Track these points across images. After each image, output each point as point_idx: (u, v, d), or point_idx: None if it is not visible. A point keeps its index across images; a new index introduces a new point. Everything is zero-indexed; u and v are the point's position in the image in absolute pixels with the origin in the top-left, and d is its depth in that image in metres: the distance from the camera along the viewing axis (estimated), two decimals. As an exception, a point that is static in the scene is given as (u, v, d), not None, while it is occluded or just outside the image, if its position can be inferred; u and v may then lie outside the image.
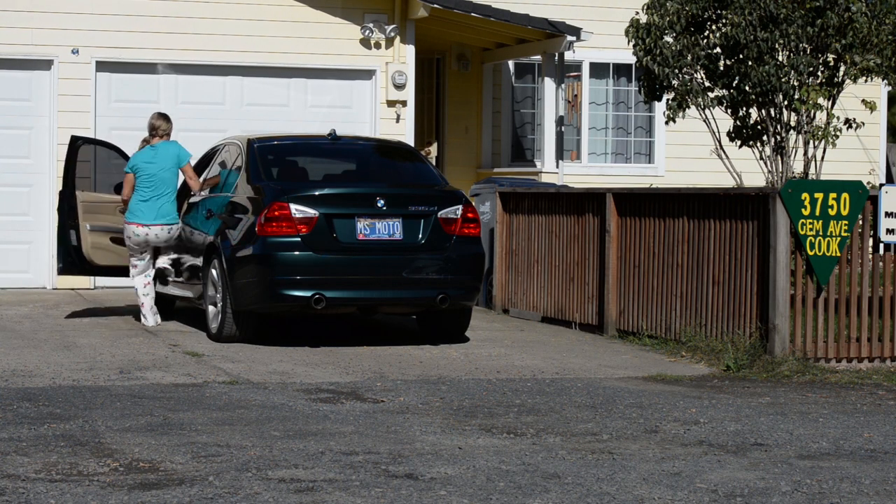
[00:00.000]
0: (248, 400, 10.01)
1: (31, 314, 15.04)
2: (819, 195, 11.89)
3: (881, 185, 13.28)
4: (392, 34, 18.57)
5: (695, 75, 15.73)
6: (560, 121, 19.38)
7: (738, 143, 15.97)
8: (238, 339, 12.97)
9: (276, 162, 13.59)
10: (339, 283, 12.68)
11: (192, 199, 14.42)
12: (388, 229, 12.87)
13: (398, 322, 15.14)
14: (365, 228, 12.80)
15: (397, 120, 18.60)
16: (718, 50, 15.48)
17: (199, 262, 13.63)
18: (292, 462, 7.89)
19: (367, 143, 14.94)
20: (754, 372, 11.69)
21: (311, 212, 12.64)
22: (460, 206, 13.13)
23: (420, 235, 12.95)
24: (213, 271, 13.20)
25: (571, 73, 20.65)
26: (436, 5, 18.06)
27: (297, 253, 12.58)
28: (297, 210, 12.61)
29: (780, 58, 15.26)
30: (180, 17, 18.10)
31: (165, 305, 15.38)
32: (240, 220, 12.99)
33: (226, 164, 14.09)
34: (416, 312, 13.70)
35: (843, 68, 15.38)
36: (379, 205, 12.83)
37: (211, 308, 13.27)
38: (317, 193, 12.83)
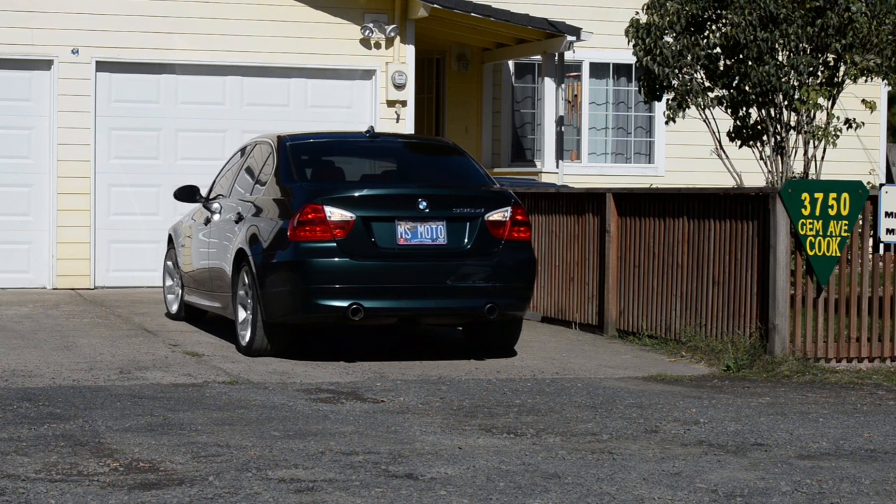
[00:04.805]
0: (248, 400, 10.01)
1: (31, 314, 15.04)
2: (819, 195, 11.89)
3: (881, 185, 13.28)
4: (392, 34, 18.57)
5: (695, 75, 15.73)
6: (560, 121, 19.38)
7: (738, 143, 15.97)
8: (270, 352, 12.12)
9: (310, 161, 12.70)
10: (378, 292, 11.77)
11: (219, 202, 13.59)
12: (431, 233, 11.97)
13: (442, 332, 14.30)
14: (406, 232, 11.90)
15: (397, 120, 18.60)
16: (718, 50, 15.48)
17: (228, 268, 12.75)
18: (292, 462, 7.90)
19: (407, 140, 14.20)
20: (754, 372, 11.69)
21: (348, 215, 11.74)
22: (509, 208, 12.18)
23: (466, 240, 12.02)
24: (244, 279, 12.32)
25: (571, 73, 20.65)
26: (436, 5, 18.06)
27: (332, 259, 11.68)
28: (332, 213, 11.72)
29: (780, 58, 15.27)
30: (180, 17, 18.10)
31: (194, 314, 14.68)
32: (270, 224, 12.07)
33: (255, 164, 13.18)
34: (462, 323, 12.85)
35: (843, 68, 15.39)
36: (421, 207, 11.90)
37: (241, 318, 12.39)
38: (353, 195, 11.90)
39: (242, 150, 13.89)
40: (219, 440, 8.47)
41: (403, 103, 18.70)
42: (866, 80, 15.81)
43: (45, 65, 17.76)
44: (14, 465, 7.68)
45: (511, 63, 20.96)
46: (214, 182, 14.25)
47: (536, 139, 20.77)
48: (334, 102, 18.68)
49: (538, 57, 19.81)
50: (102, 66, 17.92)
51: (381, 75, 18.65)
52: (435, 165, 13.25)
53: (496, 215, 12.11)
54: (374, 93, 18.70)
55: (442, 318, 12.35)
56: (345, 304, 11.65)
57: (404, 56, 18.69)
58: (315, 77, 18.62)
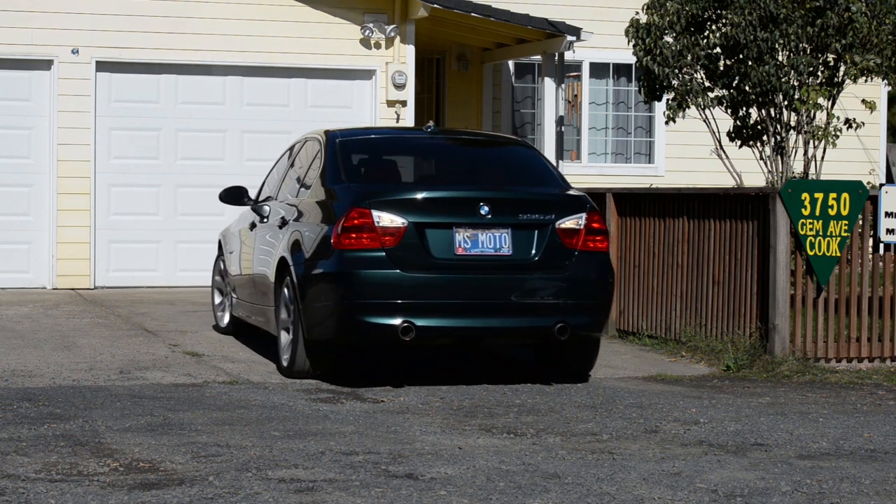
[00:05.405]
0: (248, 400, 10.01)
1: (31, 314, 15.04)
2: (819, 195, 11.90)
3: (881, 185, 13.29)
4: (392, 34, 18.57)
5: (695, 75, 15.73)
6: (560, 121, 19.38)
7: (738, 143, 15.96)
8: (311, 375, 10.96)
9: (360, 160, 11.52)
10: (433, 309, 10.50)
11: (268, 205, 12.46)
12: (494, 242, 10.67)
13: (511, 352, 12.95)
14: (465, 241, 10.63)
15: (397, 120, 18.60)
16: (718, 50, 15.48)
17: (270, 279, 11.64)
18: (292, 462, 7.90)
19: (471, 137, 12.98)
20: (754, 372, 11.69)
21: (399, 220, 10.47)
22: (584, 215, 10.87)
23: (533, 250, 10.72)
24: (286, 292, 11.14)
25: (571, 73, 20.65)
26: (436, 5, 18.06)
27: (380, 271, 10.42)
28: (380, 218, 10.44)
29: (780, 58, 15.27)
30: (180, 17, 18.10)
31: (243, 328, 13.54)
32: (314, 230, 10.85)
33: (302, 163, 12.10)
34: (528, 345, 11.79)
35: (843, 68, 15.38)
36: (482, 212, 10.63)
37: (283, 336, 11.21)
38: (405, 198, 10.62)
39: (291, 148, 12.85)
40: (219, 440, 8.47)
41: (403, 103, 18.70)
42: (866, 80, 15.80)
43: (45, 65, 17.76)
44: (14, 465, 7.68)
45: (511, 63, 20.96)
46: (264, 183, 13.26)
47: (536, 139, 20.76)
48: (334, 102, 18.68)
49: (538, 57, 19.80)
50: (102, 66, 17.92)
51: (381, 75, 18.65)
52: (500, 165, 11.89)
53: (569, 222, 10.84)
54: (374, 93, 18.70)
55: (506, 338, 11.18)
56: (394, 322, 10.39)
57: (404, 56, 18.69)
58: (315, 77, 18.62)
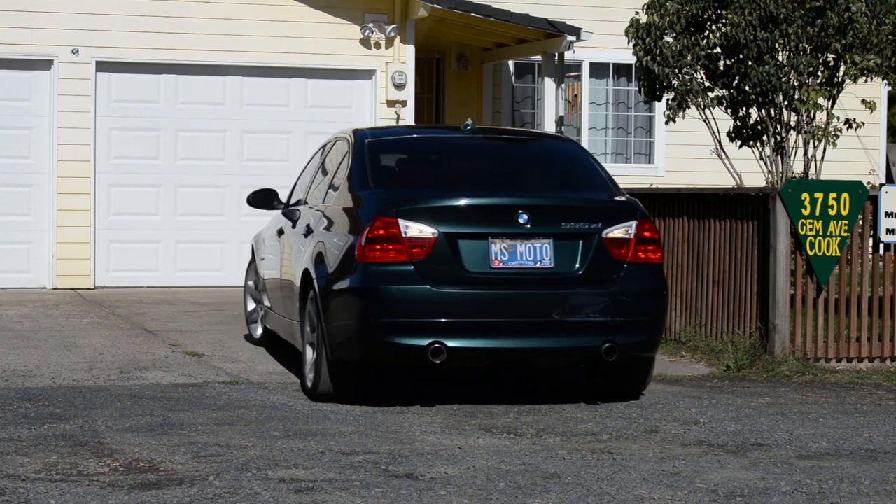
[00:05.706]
0: (248, 400, 10.01)
1: (31, 314, 15.03)
2: (819, 195, 11.90)
3: (881, 185, 13.29)
4: (392, 34, 18.57)
5: (695, 75, 15.72)
6: (560, 121, 19.37)
7: (738, 143, 15.96)
8: (334, 397, 9.99)
9: (390, 162, 10.66)
10: (466, 329, 9.62)
11: (299, 209, 11.67)
12: (534, 254, 9.78)
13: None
14: (502, 253, 9.73)
15: (397, 120, 18.60)
16: (718, 50, 15.47)
17: (295, 292, 10.87)
18: (292, 462, 7.90)
19: (513, 136, 11.85)
20: (754, 372, 11.70)
21: (428, 230, 9.61)
22: (634, 223, 9.95)
23: (577, 263, 9.83)
24: (310, 307, 10.30)
25: (571, 73, 20.65)
26: (436, 5, 18.06)
27: (407, 286, 9.56)
28: (408, 227, 9.60)
29: (780, 58, 15.26)
30: (180, 17, 18.10)
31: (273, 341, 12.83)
32: (339, 239, 10.02)
33: (331, 165, 11.25)
34: (573, 365, 10.93)
35: (843, 68, 15.38)
36: (521, 221, 9.73)
37: (308, 353, 10.34)
38: (436, 205, 9.75)
39: (323, 147, 11.98)
40: (219, 440, 8.47)
41: (403, 103, 18.70)
42: (866, 80, 15.80)
43: (45, 65, 17.76)
44: (14, 465, 7.68)
45: (511, 63, 20.96)
46: (295, 185, 12.39)
47: (536, 139, 20.75)
48: (334, 102, 18.69)
49: (538, 57, 19.80)
50: (102, 66, 17.91)
51: (381, 75, 18.65)
52: (543, 168, 10.84)
53: (617, 231, 9.91)
54: (374, 93, 18.71)
55: (547, 360, 10.33)
56: (423, 342, 9.53)
57: (404, 56, 18.69)
58: (315, 77, 18.62)
